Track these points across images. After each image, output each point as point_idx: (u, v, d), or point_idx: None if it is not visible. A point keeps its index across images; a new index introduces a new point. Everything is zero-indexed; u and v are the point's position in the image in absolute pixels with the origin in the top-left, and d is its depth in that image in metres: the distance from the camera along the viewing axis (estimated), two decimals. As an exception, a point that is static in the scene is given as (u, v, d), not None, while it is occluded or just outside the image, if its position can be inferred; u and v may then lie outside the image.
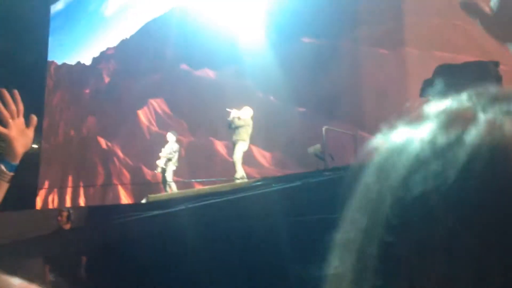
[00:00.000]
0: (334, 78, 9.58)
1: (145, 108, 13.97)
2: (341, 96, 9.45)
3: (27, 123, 1.54)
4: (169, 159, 9.69)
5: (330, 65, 9.70)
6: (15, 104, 1.45)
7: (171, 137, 9.95)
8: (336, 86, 9.53)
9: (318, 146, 8.06)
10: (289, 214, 3.58)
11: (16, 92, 1.48)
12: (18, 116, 1.47)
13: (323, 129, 7.95)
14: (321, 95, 9.69)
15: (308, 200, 3.59)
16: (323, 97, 9.64)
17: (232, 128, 8.77)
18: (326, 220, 3.25)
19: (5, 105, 1.46)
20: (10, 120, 1.45)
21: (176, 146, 9.82)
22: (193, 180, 10.40)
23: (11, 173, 1.50)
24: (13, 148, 1.48)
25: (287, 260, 3.33)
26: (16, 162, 1.52)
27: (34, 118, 1.55)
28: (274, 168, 10.00)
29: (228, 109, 8.90)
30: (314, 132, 8.72)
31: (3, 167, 1.48)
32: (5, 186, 1.50)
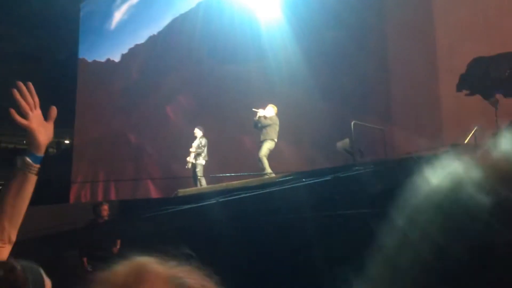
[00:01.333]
0: (362, 71, 9.46)
1: (174, 104, 14.10)
2: (370, 90, 9.32)
3: (46, 116, 1.57)
4: (198, 154, 9.74)
5: (358, 59, 9.58)
6: (32, 97, 1.48)
7: (198, 132, 10.00)
8: (364, 80, 9.40)
9: (346, 140, 7.97)
10: (319, 208, 3.56)
11: (30, 84, 1.50)
12: (35, 108, 1.49)
13: (352, 123, 7.86)
14: (349, 89, 9.58)
15: (338, 195, 3.56)
16: (351, 91, 9.53)
17: (258, 128, 8.76)
18: (356, 215, 3.22)
19: (24, 97, 1.49)
20: (30, 112, 1.48)
21: (204, 141, 9.86)
22: (222, 175, 10.45)
23: (38, 165, 1.51)
24: (36, 139, 1.51)
25: (316, 255, 3.32)
26: (41, 154, 1.53)
27: (54, 110, 1.57)
28: (302, 163, 9.95)
29: (254, 109, 8.88)
30: (342, 127, 8.64)
31: (29, 160, 1.50)
32: (33, 178, 1.50)
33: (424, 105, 8.51)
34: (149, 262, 0.78)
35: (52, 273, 1.32)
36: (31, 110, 1.49)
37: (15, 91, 1.48)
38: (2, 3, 18.81)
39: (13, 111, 1.46)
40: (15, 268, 1.19)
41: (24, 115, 1.48)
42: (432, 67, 8.64)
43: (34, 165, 1.50)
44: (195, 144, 9.98)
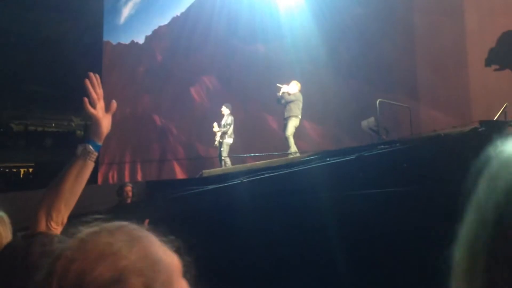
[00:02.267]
0: (387, 48, 9.27)
1: (197, 84, 14.14)
2: (396, 67, 9.14)
3: (107, 108, 1.62)
4: (224, 133, 9.74)
5: (383, 35, 9.39)
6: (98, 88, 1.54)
7: (225, 109, 9.98)
8: (390, 57, 9.23)
9: (372, 119, 7.87)
10: (344, 188, 3.55)
11: (98, 76, 1.56)
12: (99, 100, 1.55)
13: (377, 102, 7.75)
14: (374, 67, 9.42)
15: (364, 174, 3.54)
16: (377, 68, 9.37)
17: (282, 104, 8.70)
18: (382, 194, 3.20)
19: (94, 88, 1.56)
20: (98, 103, 1.55)
21: (230, 119, 9.84)
22: (246, 155, 10.48)
23: (96, 153, 1.58)
24: (100, 128, 1.58)
25: (341, 235, 3.32)
26: (101, 142, 1.59)
27: (114, 104, 1.62)
28: (326, 142, 9.91)
29: (278, 85, 8.80)
30: (367, 105, 8.53)
31: (90, 147, 1.56)
32: (91, 165, 1.57)
33: (452, 81, 8.31)
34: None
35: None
36: (98, 100, 1.57)
37: (88, 82, 1.55)
38: (27, -12, 19.03)
39: (86, 100, 1.54)
40: (52, 238, 1.23)
41: (93, 105, 1.56)
42: (460, 42, 8.41)
43: (94, 152, 1.57)
44: (222, 122, 9.98)
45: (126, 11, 18.09)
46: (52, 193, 1.49)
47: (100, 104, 1.58)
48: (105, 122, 1.61)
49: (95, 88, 1.56)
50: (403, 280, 3.08)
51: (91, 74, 1.56)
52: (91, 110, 1.55)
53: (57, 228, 1.46)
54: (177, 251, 0.78)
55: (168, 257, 0.74)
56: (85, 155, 1.56)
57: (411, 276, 3.07)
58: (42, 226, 1.43)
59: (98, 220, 0.78)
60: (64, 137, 27.76)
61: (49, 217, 1.44)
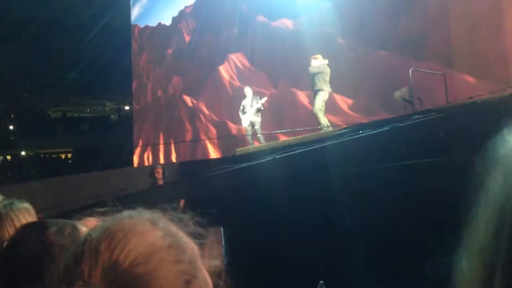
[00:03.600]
0: (417, 16, 8.98)
1: (226, 63, 14.11)
2: (427, 34, 8.86)
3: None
4: (258, 110, 9.78)
5: (414, 2, 9.10)
6: None
7: (249, 91, 10.02)
8: (420, 25, 8.94)
9: (405, 89, 7.69)
10: (380, 160, 3.49)
11: None
12: None
13: (410, 71, 7.54)
14: (404, 36, 9.16)
15: (399, 145, 3.46)
16: (407, 37, 9.11)
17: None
18: (418, 165, 3.13)
19: None
20: None
21: (259, 98, 9.87)
22: (278, 132, 10.46)
23: None
24: None
25: (378, 209, 3.29)
26: None
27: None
28: (358, 115, 9.76)
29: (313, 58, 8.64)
30: (399, 75, 8.33)
31: None
32: None
33: (488, 46, 8.00)
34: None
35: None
36: None
37: None
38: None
39: None
40: (46, 225, 1.22)
41: None
42: (495, 5, 8.06)
43: None
44: (248, 102, 9.99)
45: (152, -7, 18.12)
46: None
47: None
48: None
49: None
50: (447, 252, 3.04)
51: None
52: None
53: None
54: (216, 232, 0.78)
55: (186, 237, 0.73)
56: None
57: (453, 250, 3.01)
58: None
59: (108, 211, 0.78)
60: (99, 121, 28.35)
61: None
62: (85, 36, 20.60)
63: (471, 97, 5.37)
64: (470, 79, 7.96)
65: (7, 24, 21.80)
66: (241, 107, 10.15)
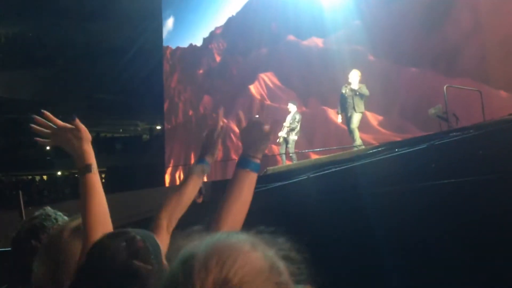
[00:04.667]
0: (450, 31, 8.84)
1: (256, 82, 14.18)
2: (461, 50, 8.69)
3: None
4: (291, 129, 9.69)
5: (444, 18, 8.96)
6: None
7: (292, 107, 9.93)
8: (454, 40, 8.79)
9: (439, 106, 7.53)
10: (416, 179, 3.40)
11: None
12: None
13: (444, 88, 7.40)
14: (437, 52, 9.02)
15: (436, 163, 3.36)
16: (440, 53, 8.96)
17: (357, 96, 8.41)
18: (457, 185, 3.03)
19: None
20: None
21: (298, 116, 9.78)
22: (310, 150, 10.38)
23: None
24: (215, 150, 1.86)
25: (415, 230, 3.18)
26: (212, 162, 1.84)
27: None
28: (391, 133, 9.61)
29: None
30: (433, 92, 8.17)
31: (206, 167, 1.82)
32: (201, 181, 1.83)
33: (525, 61, 7.79)
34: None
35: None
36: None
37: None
38: (89, 2, 19.91)
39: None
40: (135, 237, 1.21)
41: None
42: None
43: (208, 170, 1.82)
44: (289, 118, 9.91)
45: (183, 16, 18.48)
46: (173, 203, 1.67)
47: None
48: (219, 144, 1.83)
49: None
50: (485, 273, 2.91)
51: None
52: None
53: (170, 233, 1.59)
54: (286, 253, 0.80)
55: (280, 261, 0.78)
56: (201, 173, 1.77)
57: (493, 269, 2.88)
58: (163, 231, 1.57)
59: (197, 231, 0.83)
60: (131, 141, 28.86)
61: (169, 223, 1.60)
62: (118, 58, 21.15)
63: (510, 114, 5.20)
64: (506, 95, 7.74)
65: (44, 48, 22.62)
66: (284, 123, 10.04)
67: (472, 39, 8.52)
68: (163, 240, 1.44)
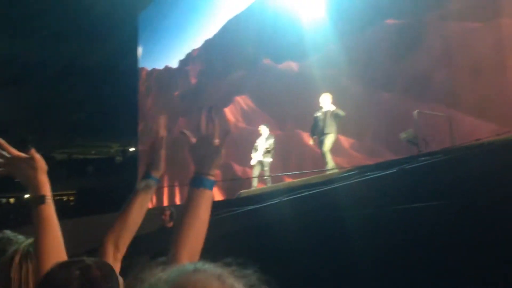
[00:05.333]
0: (421, 58, 9.09)
1: (231, 105, 14.24)
2: (431, 76, 8.94)
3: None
4: (267, 151, 9.67)
5: (416, 45, 9.23)
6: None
7: (264, 130, 9.93)
8: (424, 67, 9.04)
9: (410, 131, 7.68)
10: (387, 203, 3.45)
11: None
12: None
13: (414, 113, 7.57)
14: (409, 78, 9.25)
15: (406, 187, 3.43)
16: (411, 79, 9.19)
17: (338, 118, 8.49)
18: (427, 208, 3.09)
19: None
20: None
21: (272, 139, 9.79)
22: (284, 174, 10.40)
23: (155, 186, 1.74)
24: (160, 163, 1.80)
25: (386, 252, 3.21)
26: (159, 176, 1.75)
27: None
28: (364, 157, 9.74)
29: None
30: (404, 117, 8.35)
31: (152, 182, 1.73)
32: (150, 197, 1.74)
33: (492, 88, 8.04)
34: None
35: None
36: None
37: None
38: (64, 22, 19.78)
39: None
40: (90, 266, 1.16)
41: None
42: (497, 47, 8.15)
43: (155, 186, 1.73)
44: (260, 141, 9.89)
45: (159, 38, 18.53)
46: (118, 226, 1.55)
47: (160, 146, 1.69)
48: (164, 156, 1.74)
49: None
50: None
51: None
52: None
53: (120, 259, 1.50)
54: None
55: None
56: (147, 189, 1.67)
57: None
58: (110, 258, 1.47)
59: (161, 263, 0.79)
60: (104, 163, 28.44)
61: (116, 249, 1.51)
62: (93, 79, 20.97)
63: (478, 139, 5.35)
64: (476, 121, 7.96)
65: (16, 67, 22.27)
66: (255, 146, 10.04)
67: (443, 66, 8.78)
68: None
